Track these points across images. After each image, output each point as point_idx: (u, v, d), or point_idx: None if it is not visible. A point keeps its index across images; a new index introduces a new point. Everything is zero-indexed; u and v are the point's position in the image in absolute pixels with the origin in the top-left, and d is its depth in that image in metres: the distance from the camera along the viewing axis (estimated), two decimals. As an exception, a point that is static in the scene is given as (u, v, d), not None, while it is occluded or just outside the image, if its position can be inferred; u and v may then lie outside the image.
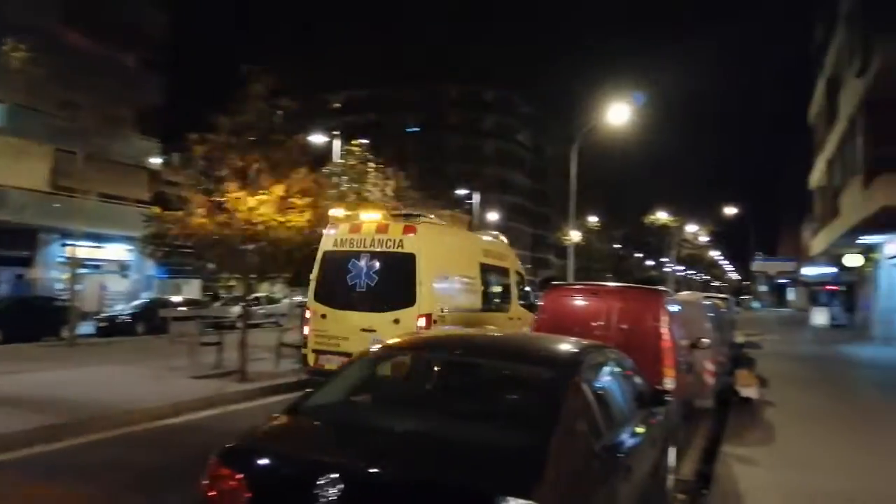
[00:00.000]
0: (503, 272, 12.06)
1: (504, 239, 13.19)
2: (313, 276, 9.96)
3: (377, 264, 9.43)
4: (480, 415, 3.77)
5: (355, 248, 9.60)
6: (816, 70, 28.20)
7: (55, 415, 7.85)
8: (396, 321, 8.97)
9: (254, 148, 11.59)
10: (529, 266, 77.33)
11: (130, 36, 27.91)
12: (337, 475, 2.91)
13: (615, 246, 57.24)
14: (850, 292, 33.64)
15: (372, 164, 23.18)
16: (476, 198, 43.73)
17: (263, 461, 3.23)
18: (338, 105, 65.68)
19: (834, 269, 34.71)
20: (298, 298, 28.62)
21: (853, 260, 25.31)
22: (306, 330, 9.83)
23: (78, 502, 5.48)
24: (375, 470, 3.03)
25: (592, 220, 50.19)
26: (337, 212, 11.59)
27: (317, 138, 24.99)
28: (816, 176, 29.37)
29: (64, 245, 24.26)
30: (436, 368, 4.60)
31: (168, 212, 12.52)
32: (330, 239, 9.97)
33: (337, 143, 24.48)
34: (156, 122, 29.62)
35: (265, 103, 11.82)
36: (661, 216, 50.56)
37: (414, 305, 9.06)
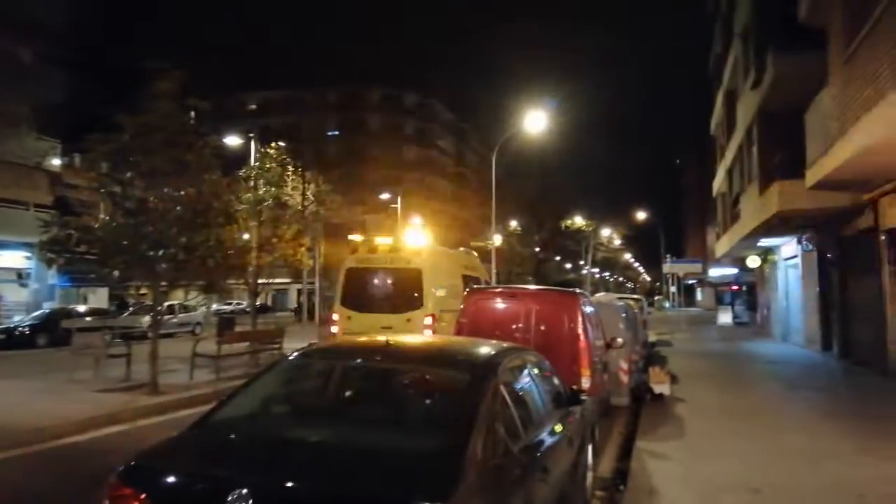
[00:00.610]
0: (476, 279, 14.50)
1: (475, 254, 16.22)
2: (339, 287, 12.60)
3: (391, 277, 12.21)
4: (398, 422, 3.72)
5: (374, 266, 12.35)
6: (717, 82, 29.84)
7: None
8: (409, 320, 11.51)
9: (161, 149, 11.07)
10: (451, 271, 78.06)
11: (28, 28, 26.10)
12: (246, 490, 2.78)
13: (535, 250, 58.56)
14: (751, 292, 35.74)
15: (290, 167, 22.66)
16: (398, 202, 43.67)
17: (168, 479, 3.05)
18: (253, 107, 63.88)
19: (736, 270, 36.80)
20: (215, 307, 27.62)
21: (753, 261, 26.85)
22: (335, 329, 12.18)
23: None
24: (287, 484, 2.91)
25: (513, 224, 51.13)
26: (356, 237, 15.02)
27: (232, 140, 24.20)
28: (718, 183, 30.97)
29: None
30: (352, 375, 4.50)
31: (70, 217, 11.78)
32: (353, 259, 12.70)
33: (253, 145, 23.79)
34: (55, 122, 27.83)
35: (174, 103, 11.31)
36: (578, 220, 52.15)
37: (421, 308, 11.69)
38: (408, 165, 68.75)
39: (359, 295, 12.18)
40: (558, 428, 4.44)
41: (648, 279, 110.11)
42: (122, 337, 14.86)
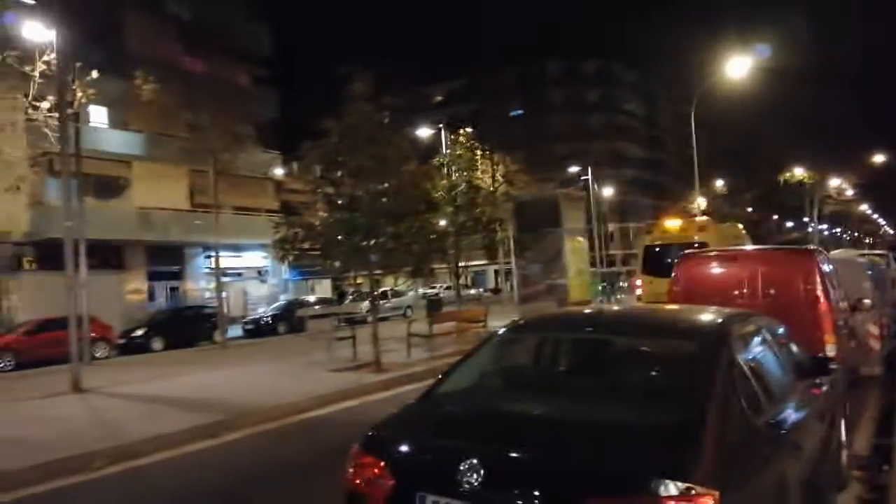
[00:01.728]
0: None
1: (740, 226, 17.88)
2: (639, 260, 15.64)
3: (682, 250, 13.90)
4: (621, 394, 3.52)
5: (667, 242, 14.95)
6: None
7: (212, 413, 8.47)
8: None
9: (364, 147, 11.86)
10: (654, 240, 74.11)
11: (242, 55, 29.63)
12: (476, 461, 2.82)
13: (748, 210, 53.46)
14: None
15: (479, 152, 23.12)
16: (587, 174, 42.45)
17: (404, 448, 3.22)
18: (439, 98, 66.29)
19: None
20: (424, 290, 29.27)
21: None
22: (639, 291, 15.25)
23: (231, 495, 5.81)
24: (516, 454, 2.91)
25: (719, 184, 47.12)
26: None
27: (423, 132, 25.29)
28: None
29: (207, 257, 26.31)
30: (569, 347, 4.40)
31: (294, 217, 13.13)
32: (648, 238, 16.04)
33: (443, 135, 24.66)
34: (274, 135, 31.36)
35: (368, 104, 12.06)
36: (798, 172, 46.47)
37: None
38: (594, 135, 66.66)
39: (657, 265, 14.32)
40: (805, 400, 3.95)
41: (892, 231, 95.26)
42: (347, 321, 16.36)
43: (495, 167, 22.94)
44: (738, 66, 18.68)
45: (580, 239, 19.75)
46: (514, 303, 20.61)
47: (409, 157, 12.96)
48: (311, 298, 28.82)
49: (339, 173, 12.39)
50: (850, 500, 4.65)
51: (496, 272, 47.71)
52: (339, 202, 12.41)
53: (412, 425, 3.47)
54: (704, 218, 17.46)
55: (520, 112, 62.14)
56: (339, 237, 12.05)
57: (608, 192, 47.72)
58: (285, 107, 32.85)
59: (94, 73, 15.56)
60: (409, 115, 21.38)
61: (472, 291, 42.63)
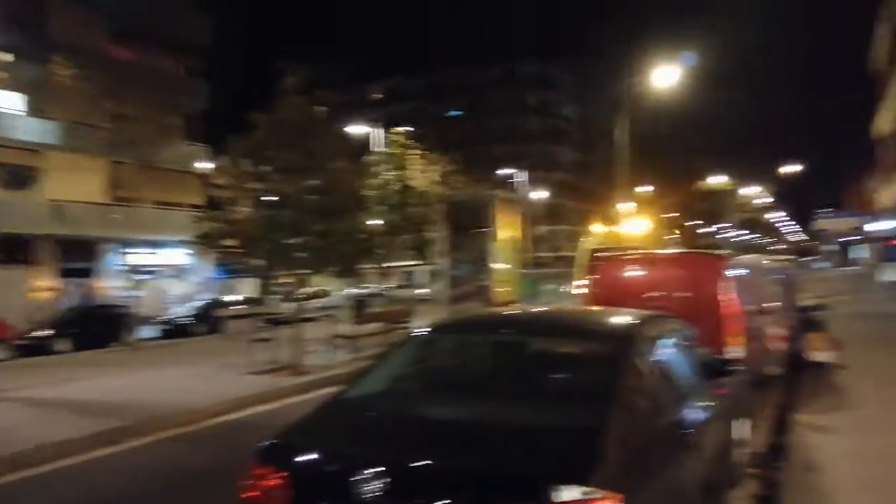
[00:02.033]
0: None
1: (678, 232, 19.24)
2: (582, 262, 14.76)
3: None
4: (531, 397, 3.54)
5: (615, 245, 15.15)
6: (876, 13, 26.50)
7: (116, 418, 8.04)
8: None
9: (293, 142, 11.58)
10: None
11: (174, 45, 28.43)
12: (382, 468, 2.75)
13: (670, 215, 55.53)
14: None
15: (415, 151, 23.01)
16: (522, 177, 42.93)
17: (304, 457, 3.10)
18: (378, 95, 65.81)
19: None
20: (352, 291, 28.97)
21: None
22: (583, 291, 15.78)
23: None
24: (420, 462, 2.85)
25: (645, 189, 48.77)
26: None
27: (358, 129, 24.99)
28: (881, 123, 27.64)
29: (123, 253, 25.08)
30: (483, 349, 4.38)
31: (216, 212, 12.68)
32: (590, 241, 16.53)
33: (378, 133, 24.42)
34: (202, 128, 30.26)
35: (302, 98, 11.78)
36: (717, 179, 48.68)
37: None
38: (532, 138, 67.75)
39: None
40: (707, 402, 4.07)
41: (801, 238, 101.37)
42: (269, 322, 15.90)
43: (432, 167, 22.87)
44: (666, 74, 19.25)
45: (511, 239, 20.00)
46: (445, 303, 20.66)
47: (341, 154, 12.74)
48: (233, 298, 27.88)
49: (266, 168, 12.07)
50: (746, 498, 4.82)
51: (430, 273, 47.80)
52: (265, 198, 12.09)
53: (316, 432, 3.35)
54: (648, 224, 18.98)
55: (459, 112, 62.41)
56: (263, 234, 11.73)
57: (541, 194, 48.60)
58: (217, 99, 31.75)
59: (9, 56, 14.51)
60: (346, 112, 21.04)
61: (404, 291, 42.47)
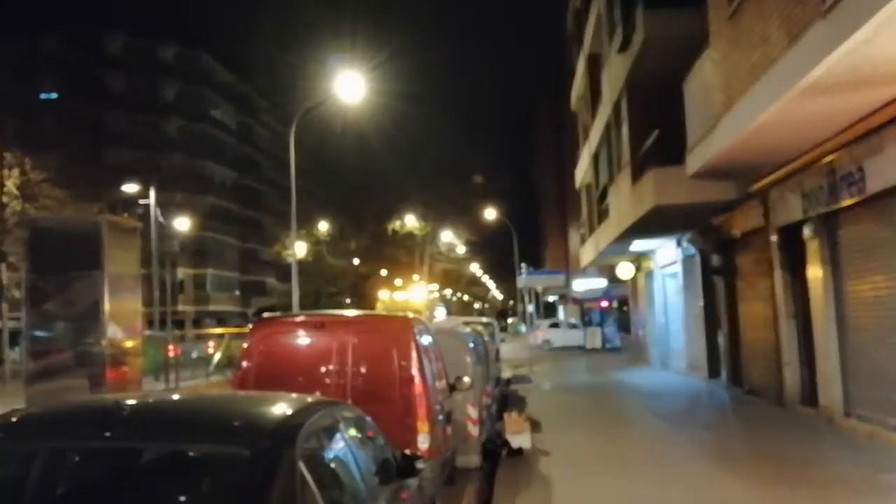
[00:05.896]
0: None
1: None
2: None
3: None
4: None
5: None
6: (577, 45, 31.38)
7: None
8: None
9: None
10: (238, 293, 75.02)
11: None
12: None
13: (354, 262, 58.35)
14: (623, 309, 38.34)
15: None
16: (152, 197, 39.19)
17: None
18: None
19: (606, 283, 39.30)
20: None
21: (625, 270, 28.68)
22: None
23: None
24: None
25: (323, 228, 50.51)
26: None
27: None
28: (582, 172, 32.47)
29: None
30: (72, 461, 3.87)
31: None
32: None
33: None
34: None
35: None
36: (410, 222, 52.43)
37: None
38: (169, 144, 65.22)
39: None
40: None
41: (501, 296, 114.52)
42: None
43: (7, 172, 20.49)
44: (349, 87, 20.10)
45: (133, 287, 18.67)
46: (21, 382, 18.30)
47: None
48: None
49: None
50: None
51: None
52: None
53: None
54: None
55: (54, 95, 56.31)
56: None
57: (182, 224, 46.48)
58: None
59: None
60: None
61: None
